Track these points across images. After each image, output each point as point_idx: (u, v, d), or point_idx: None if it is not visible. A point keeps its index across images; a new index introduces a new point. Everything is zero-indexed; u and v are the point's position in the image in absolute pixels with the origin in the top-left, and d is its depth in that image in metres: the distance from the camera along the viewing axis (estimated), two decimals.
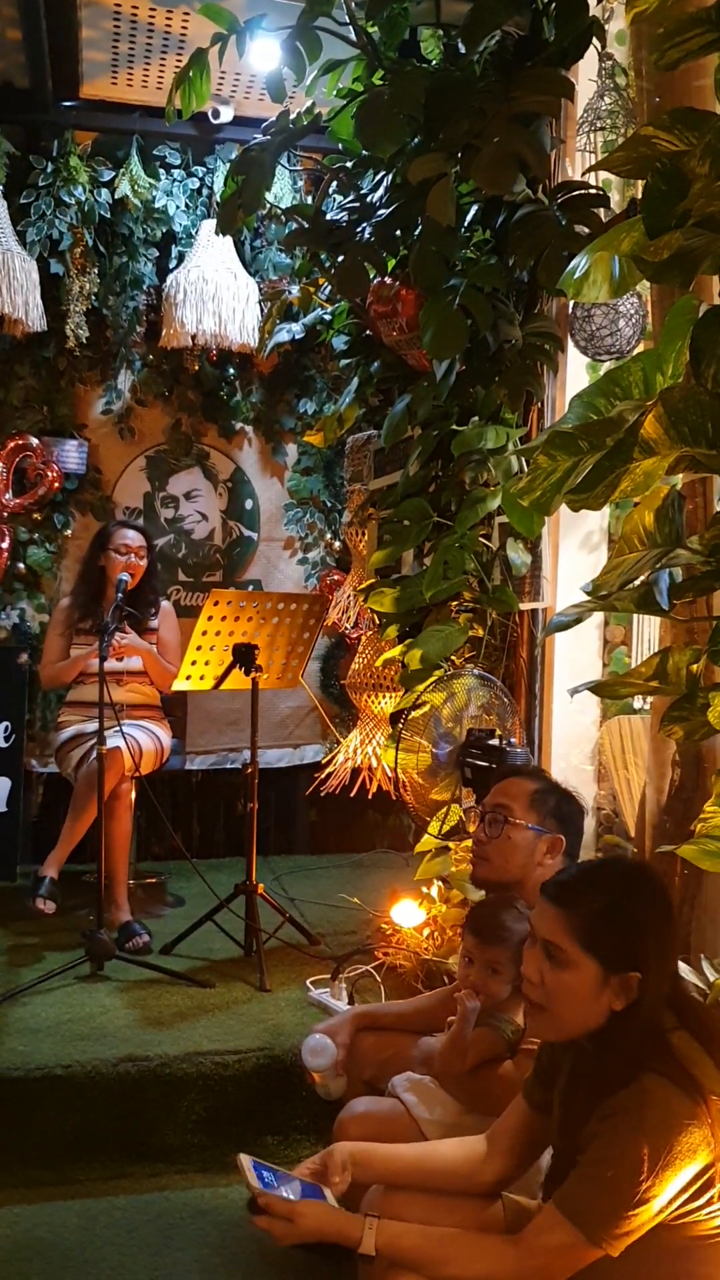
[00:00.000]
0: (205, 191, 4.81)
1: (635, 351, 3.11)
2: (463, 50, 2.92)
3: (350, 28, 3.00)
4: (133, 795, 4.00)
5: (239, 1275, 2.48)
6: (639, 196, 2.01)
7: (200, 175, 4.82)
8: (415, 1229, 1.68)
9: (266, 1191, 1.73)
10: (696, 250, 1.76)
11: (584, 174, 3.02)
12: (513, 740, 3.00)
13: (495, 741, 2.93)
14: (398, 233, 3.13)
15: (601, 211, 2.94)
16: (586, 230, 2.81)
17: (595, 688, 1.96)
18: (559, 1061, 1.75)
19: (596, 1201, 1.53)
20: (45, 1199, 2.76)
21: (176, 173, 4.80)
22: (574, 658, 3.38)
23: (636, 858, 1.80)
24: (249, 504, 5.20)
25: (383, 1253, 1.65)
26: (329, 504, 5.22)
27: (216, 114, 4.40)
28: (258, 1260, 2.53)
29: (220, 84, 4.25)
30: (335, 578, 5.05)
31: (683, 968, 2.19)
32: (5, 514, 4.73)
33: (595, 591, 1.80)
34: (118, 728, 3.79)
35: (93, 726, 3.67)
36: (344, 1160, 1.82)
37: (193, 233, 4.80)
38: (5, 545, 4.73)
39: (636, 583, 1.87)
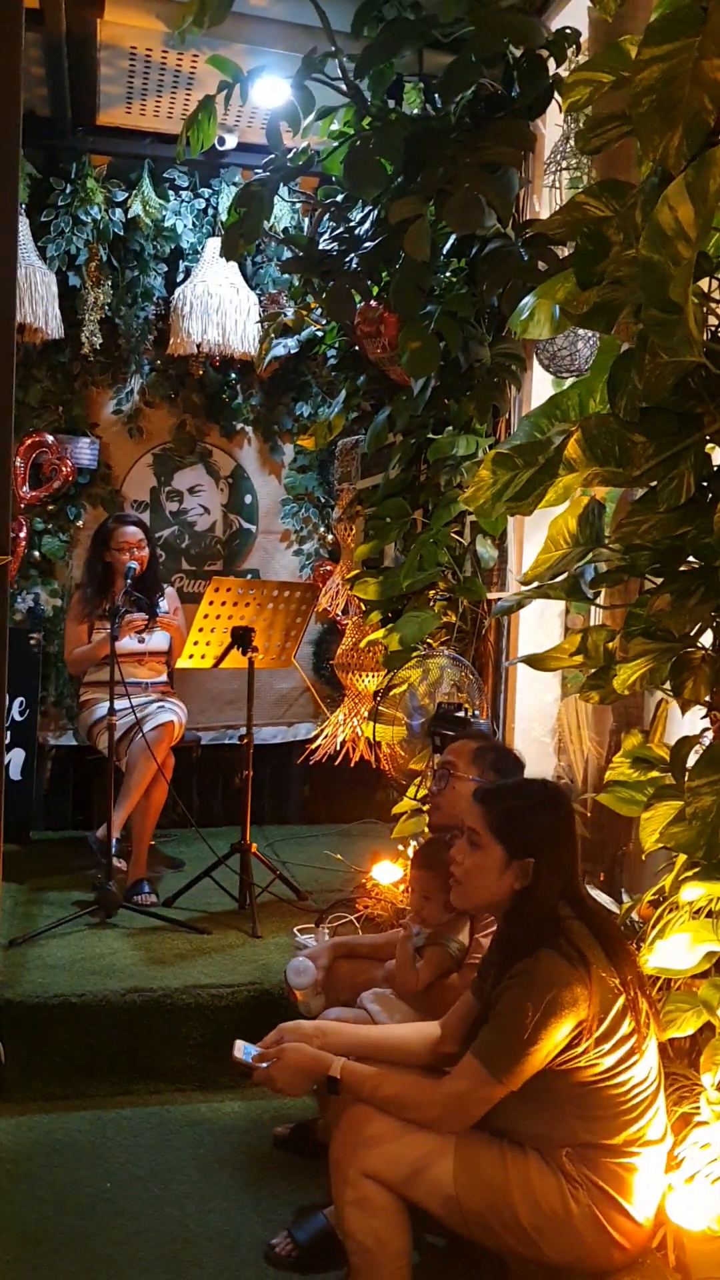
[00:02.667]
0: (211, 212, 5.18)
1: None
2: (439, 103, 3.30)
3: (342, 81, 3.37)
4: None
5: (228, 1169, 2.88)
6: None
7: (206, 197, 5.18)
8: (371, 1069, 2.10)
9: (248, 1060, 2.20)
10: (614, 302, 2.13)
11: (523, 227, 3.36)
12: (477, 713, 3.39)
13: (461, 714, 3.31)
14: (382, 262, 3.50)
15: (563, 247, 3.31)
16: (545, 266, 3.18)
17: (529, 660, 2.34)
18: (495, 957, 2.15)
19: (498, 1044, 1.95)
20: (61, 1110, 3.17)
21: (184, 194, 5.17)
22: (538, 642, 3.74)
23: (552, 780, 2.24)
24: (248, 499, 5.58)
25: (345, 1082, 2.08)
26: (323, 500, 5.61)
27: (222, 141, 4.77)
28: (246, 1158, 2.94)
29: (225, 114, 4.62)
30: (327, 568, 5.43)
31: (604, 898, 2.60)
32: (22, 506, 5.09)
33: (525, 581, 2.19)
34: (162, 703, 4.19)
35: (123, 704, 4.05)
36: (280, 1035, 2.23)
37: (199, 249, 5.16)
38: (22, 535, 5.09)
39: (565, 575, 2.26)
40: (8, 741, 4.89)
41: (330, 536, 5.57)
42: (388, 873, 3.98)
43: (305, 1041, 2.19)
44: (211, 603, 4.08)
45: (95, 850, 4.35)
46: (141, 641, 4.48)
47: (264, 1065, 2.16)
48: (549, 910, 2.02)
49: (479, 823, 2.11)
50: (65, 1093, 3.24)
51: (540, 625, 3.74)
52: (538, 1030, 1.90)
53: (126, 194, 5.06)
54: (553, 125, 3.54)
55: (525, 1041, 1.91)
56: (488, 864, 2.09)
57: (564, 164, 3.52)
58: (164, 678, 4.65)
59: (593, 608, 3.85)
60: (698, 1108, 2.05)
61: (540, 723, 3.79)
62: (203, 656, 4.17)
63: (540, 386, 3.61)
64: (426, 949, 2.55)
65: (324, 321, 4.37)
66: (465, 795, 2.63)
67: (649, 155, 1.88)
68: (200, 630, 4.12)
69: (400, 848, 3.99)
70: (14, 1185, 2.77)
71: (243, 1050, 2.23)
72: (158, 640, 4.58)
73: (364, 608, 4.05)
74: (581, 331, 3.51)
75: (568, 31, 3.15)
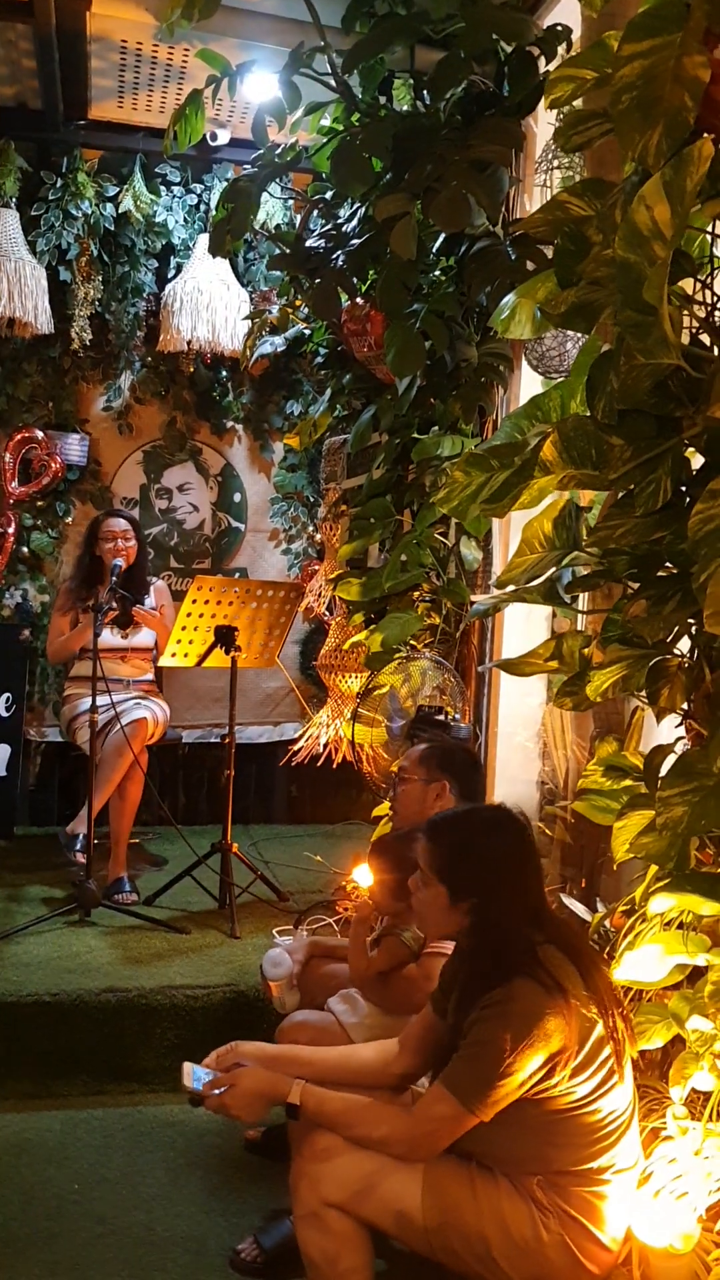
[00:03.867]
0: (203, 207, 5.15)
1: None
2: (429, 100, 3.27)
3: (331, 77, 3.34)
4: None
5: (198, 1172, 2.86)
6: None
7: (198, 192, 5.16)
8: (333, 1094, 2.03)
9: (199, 1088, 2.10)
10: (594, 303, 2.10)
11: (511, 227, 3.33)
12: (457, 717, 3.36)
13: (441, 717, 3.29)
14: (369, 260, 3.47)
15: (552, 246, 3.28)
16: (533, 266, 3.15)
17: (504, 665, 2.32)
18: (457, 975, 2.11)
19: (471, 1075, 1.89)
20: (32, 1109, 3.14)
21: (176, 189, 5.14)
22: (523, 646, 3.71)
23: (503, 806, 2.16)
24: (238, 497, 5.56)
25: (305, 1107, 2.00)
26: (312, 499, 5.58)
27: (214, 137, 4.73)
28: (217, 1161, 2.91)
29: (218, 110, 4.59)
30: (316, 567, 5.40)
31: (579, 908, 2.57)
32: (11, 501, 5.07)
33: (500, 585, 2.16)
34: (139, 700, 4.17)
35: (103, 700, 4.03)
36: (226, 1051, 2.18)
37: (190, 245, 5.13)
38: (11, 530, 5.07)
39: (541, 579, 2.23)
40: None
41: (319, 535, 5.54)
42: (368, 875, 3.94)
43: (260, 1062, 2.13)
44: (195, 601, 4.05)
45: (64, 846, 4.33)
46: (125, 638, 4.46)
47: (217, 1092, 2.07)
48: (514, 940, 1.95)
49: (424, 860, 2.05)
50: (37, 1092, 3.21)
51: (526, 629, 3.71)
52: (512, 1063, 1.84)
53: (118, 189, 5.03)
54: (545, 124, 3.51)
55: (499, 1073, 1.84)
56: (434, 902, 2.04)
57: (555, 163, 3.49)
58: (149, 675, 4.63)
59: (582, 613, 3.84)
60: (666, 1122, 2.02)
61: (525, 727, 3.76)
62: (185, 655, 4.15)
63: (530, 387, 3.58)
64: (383, 939, 2.55)
65: (310, 319, 4.34)
66: (415, 797, 2.65)
67: (628, 153, 1.86)
68: (183, 629, 4.10)
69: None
70: None
71: (192, 1076, 2.11)
72: (142, 637, 4.56)
73: (348, 608, 4.02)
74: (570, 331, 3.50)
75: (558, 28, 3.12)
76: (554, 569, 2.20)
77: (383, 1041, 2.25)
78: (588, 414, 2.02)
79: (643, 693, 2.07)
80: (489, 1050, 1.86)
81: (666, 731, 2.20)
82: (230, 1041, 2.24)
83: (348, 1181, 1.94)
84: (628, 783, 2.18)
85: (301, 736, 4.66)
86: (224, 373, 5.37)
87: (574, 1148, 1.91)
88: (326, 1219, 1.93)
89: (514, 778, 3.70)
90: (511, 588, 2.23)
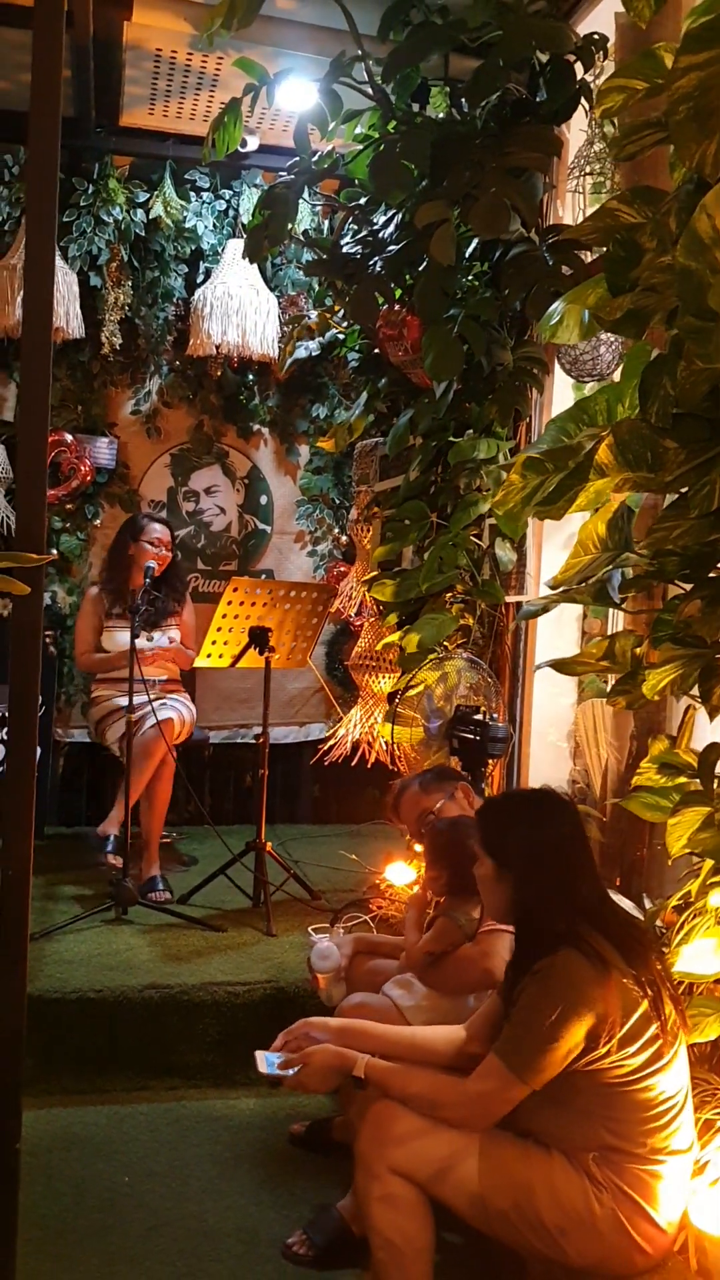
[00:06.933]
0: (232, 213, 5.19)
1: (614, 374, 3.49)
2: (465, 107, 3.31)
3: (369, 85, 3.38)
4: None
5: (245, 1165, 2.90)
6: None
7: (227, 198, 5.20)
8: (395, 1067, 2.14)
9: (275, 1071, 2.23)
10: (647, 309, 2.14)
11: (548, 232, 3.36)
12: (495, 716, 3.40)
13: (479, 717, 3.33)
14: (406, 266, 3.51)
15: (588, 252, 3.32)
16: (570, 271, 3.19)
17: (556, 665, 2.36)
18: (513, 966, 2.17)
19: (519, 1042, 1.97)
20: (79, 1104, 3.19)
21: (206, 195, 5.18)
22: (554, 645, 3.77)
23: (547, 788, 2.26)
24: (264, 500, 5.60)
25: (370, 1078, 2.13)
26: (337, 501, 5.63)
27: (244, 143, 4.76)
28: (262, 1154, 2.96)
29: (248, 116, 4.61)
30: (341, 569, 5.45)
31: (626, 903, 2.61)
32: None
33: (553, 585, 2.20)
34: (165, 700, 4.23)
35: (126, 701, 4.07)
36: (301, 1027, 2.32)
37: (219, 251, 5.17)
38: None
39: (592, 580, 2.27)
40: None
41: (345, 538, 5.59)
42: (401, 874, 3.99)
43: (328, 1035, 2.24)
44: (230, 602, 4.10)
45: (94, 847, 4.37)
46: (150, 640, 4.51)
47: (291, 1073, 2.20)
48: (551, 924, 2.02)
49: (476, 839, 2.19)
50: (83, 1087, 3.26)
51: (557, 629, 3.76)
52: (557, 1028, 1.91)
53: (148, 195, 5.07)
54: (576, 130, 3.55)
55: (545, 1039, 1.92)
56: (486, 876, 2.15)
57: (588, 169, 3.53)
58: (175, 675, 4.67)
59: (610, 612, 3.88)
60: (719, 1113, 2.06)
61: (557, 727, 3.80)
62: (220, 656, 4.19)
63: (563, 390, 3.63)
64: (437, 920, 2.61)
65: (346, 324, 4.38)
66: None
67: (685, 163, 1.89)
68: (219, 630, 4.14)
69: (417, 848, 4.00)
70: (33, 1178, 2.77)
71: (265, 1062, 2.26)
72: (164, 640, 4.60)
73: (380, 609, 4.06)
74: (604, 336, 3.53)
75: (596, 37, 3.15)
76: (605, 570, 2.24)
77: (450, 1026, 2.31)
78: (640, 417, 2.06)
79: (695, 691, 2.11)
80: (534, 1017, 1.94)
81: (718, 730, 2.25)
82: (272, 1035, 2.36)
83: (425, 1164, 2.02)
84: (681, 780, 2.22)
85: (330, 737, 4.70)
86: (251, 377, 5.41)
87: (629, 1124, 1.97)
88: (402, 1198, 2.01)
89: (546, 776, 3.74)
90: (562, 589, 2.27)
